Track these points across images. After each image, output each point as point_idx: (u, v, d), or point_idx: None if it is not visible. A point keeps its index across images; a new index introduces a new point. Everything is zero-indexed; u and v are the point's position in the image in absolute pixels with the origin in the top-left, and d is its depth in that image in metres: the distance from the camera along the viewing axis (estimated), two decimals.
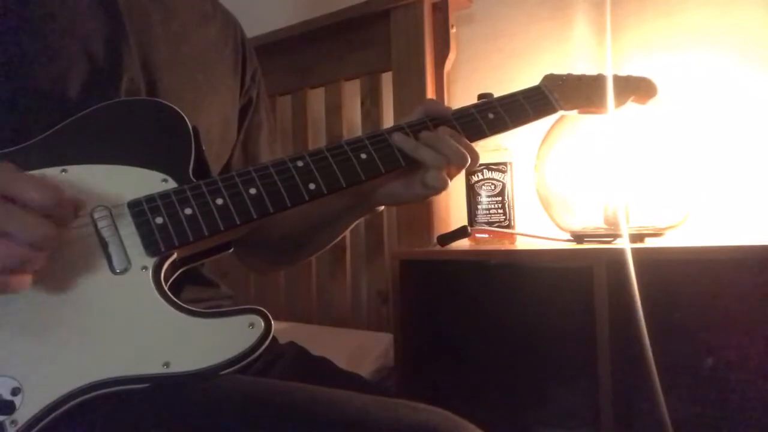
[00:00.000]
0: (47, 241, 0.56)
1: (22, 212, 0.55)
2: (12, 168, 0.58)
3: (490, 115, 0.86)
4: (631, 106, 0.98)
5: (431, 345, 1.22)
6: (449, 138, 0.79)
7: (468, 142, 0.81)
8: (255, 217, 0.70)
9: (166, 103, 0.76)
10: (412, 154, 0.78)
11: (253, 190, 0.71)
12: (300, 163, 0.74)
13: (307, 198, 0.73)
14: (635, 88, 0.98)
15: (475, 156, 0.81)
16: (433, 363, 1.21)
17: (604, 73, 0.97)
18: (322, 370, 0.85)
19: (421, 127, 0.81)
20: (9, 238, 0.54)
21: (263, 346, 0.65)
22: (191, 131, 0.74)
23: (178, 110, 0.75)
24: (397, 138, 0.79)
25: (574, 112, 0.94)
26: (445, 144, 0.78)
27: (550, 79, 0.93)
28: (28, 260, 0.56)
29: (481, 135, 0.84)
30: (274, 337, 0.67)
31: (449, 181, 0.79)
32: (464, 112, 0.85)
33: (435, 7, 1.48)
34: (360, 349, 1.37)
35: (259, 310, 0.66)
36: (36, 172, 0.66)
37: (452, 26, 1.48)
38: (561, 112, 0.92)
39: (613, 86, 0.96)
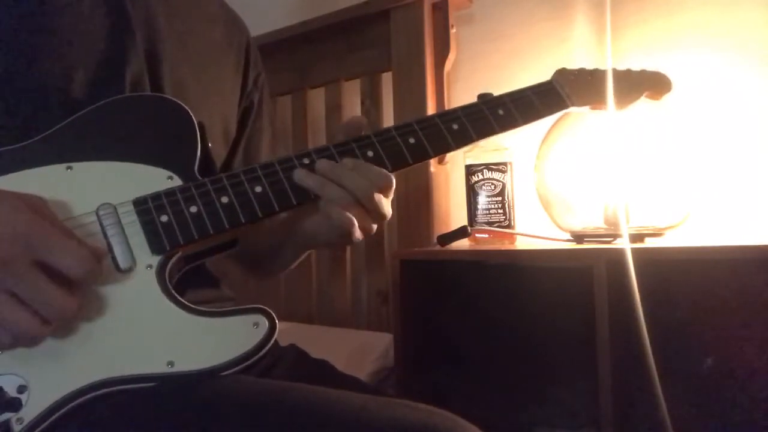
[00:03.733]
0: (64, 318, 0.57)
1: (49, 286, 0.55)
2: (45, 215, 0.58)
3: (500, 112, 0.84)
4: (644, 101, 0.97)
5: (431, 345, 1.22)
6: (350, 171, 0.72)
7: (374, 168, 0.73)
8: (260, 215, 0.70)
9: (171, 98, 0.76)
10: (317, 192, 0.72)
11: (258, 188, 0.71)
12: (306, 161, 0.74)
13: (312, 196, 0.73)
14: (649, 83, 0.97)
15: (388, 181, 0.73)
16: (433, 363, 1.21)
17: (618, 68, 0.96)
18: (321, 373, 0.85)
19: (324, 154, 0.75)
20: (28, 309, 0.55)
21: (268, 346, 0.65)
22: (197, 127, 0.74)
23: (184, 106, 0.75)
24: (298, 175, 0.72)
25: (586, 108, 0.93)
26: (346, 177, 0.71)
27: (562, 74, 0.92)
28: (38, 335, 0.56)
29: (491, 132, 0.83)
30: (275, 340, 0.67)
31: (354, 221, 0.72)
32: (472, 109, 0.84)
33: (435, 7, 1.48)
34: (360, 349, 1.37)
35: (264, 309, 0.66)
36: (41, 170, 0.66)
37: (452, 26, 1.48)
38: (572, 109, 0.91)
39: (627, 81, 0.95)
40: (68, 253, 0.56)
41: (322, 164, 0.73)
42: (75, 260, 0.56)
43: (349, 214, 0.71)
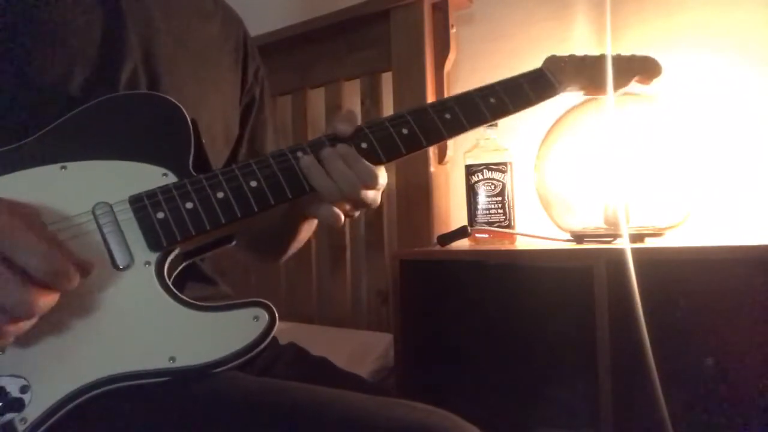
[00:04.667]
0: (31, 314, 0.55)
1: (13, 280, 0.53)
2: (24, 218, 0.56)
3: (492, 100, 0.84)
4: (635, 86, 0.97)
5: (431, 345, 1.22)
6: (340, 161, 0.73)
7: (366, 163, 0.74)
8: (256, 210, 0.70)
9: (164, 96, 0.76)
10: (309, 181, 0.73)
11: (254, 183, 0.71)
12: (300, 154, 0.74)
13: (308, 189, 0.73)
14: (639, 68, 0.97)
15: (373, 179, 0.74)
16: (433, 363, 1.21)
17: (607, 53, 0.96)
18: (321, 371, 0.85)
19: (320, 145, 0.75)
20: None
21: (268, 339, 0.65)
22: (190, 124, 0.74)
23: (177, 103, 0.75)
24: (303, 162, 0.73)
25: (579, 93, 0.93)
26: (335, 167, 0.72)
27: (552, 61, 0.92)
28: (8, 332, 0.55)
29: (483, 120, 0.83)
30: (274, 337, 0.67)
31: (342, 217, 0.75)
32: (464, 98, 0.84)
33: (435, 7, 1.48)
34: (360, 349, 1.37)
35: (264, 303, 0.66)
36: (36, 170, 0.66)
37: (452, 26, 1.48)
38: (564, 94, 0.91)
39: (616, 66, 0.94)
40: (34, 253, 0.54)
41: (323, 153, 0.74)
42: (40, 260, 0.54)
43: (336, 210, 0.74)
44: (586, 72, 0.93)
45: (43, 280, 0.54)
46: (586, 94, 0.95)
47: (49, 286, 0.55)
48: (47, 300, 0.55)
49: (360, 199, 0.74)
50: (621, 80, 0.95)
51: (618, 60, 0.96)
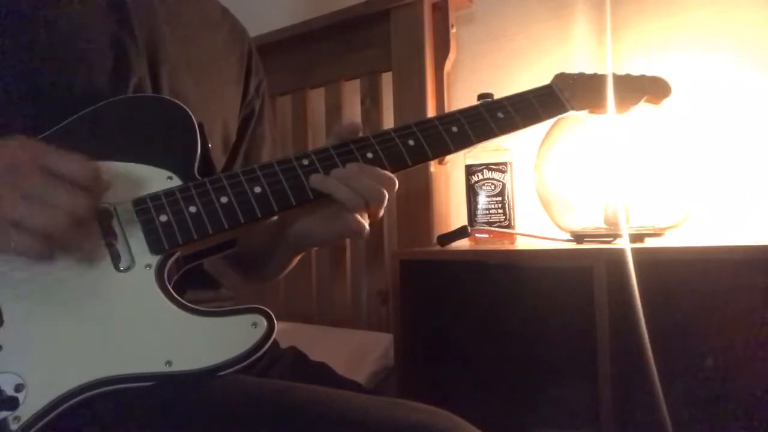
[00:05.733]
0: (88, 212, 0.59)
1: (62, 183, 0.57)
2: (48, 145, 0.60)
3: (500, 115, 0.85)
4: (643, 106, 0.98)
5: (431, 345, 1.22)
6: (362, 174, 0.74)
7: (380, 171, 0.75)
8: (259, 216, 0.71)
9: (171, 99, 0.76)
10: (332, 195, 0.73)
11: (257, 189, 0.71)
12: (305, 162, 0.74)
13: (312, 197, 0.73)
14: (649, 87, 0.98)
15: (392, 184, 0.76)
16: (433, 363, 1.21)
17: (615, 72, 0.97)
18: (320, 376, 0.85)
19: (327, 155, 0.76)
20: (46, 206, 0.56)
21: (266, 346, 0.65)
22: (197, 128, 0.74)
23: (184, 106, 0.75)
24: (314, 179, 0.74)
25: (585, 112, 0.93)
26: (359, 182, 0.73)
27: (561, 78, 0.93)
28: (62, 230, 0.57)
29: (490, 135, 0.84)
30: (275, 341, 0.67)
31: (367, 227, 0.76)
32: (472, 112, 0.84)
33: (435, 7, 1.48)
34: (360, 350, 1.37)
35: (262, 309, 0.66)
36: None
37: (452, 26, 1.48)
38: (572, 112, 0.92)
39: (626, 85, 0.95)
40: (72, 161, 0.59)
41: (335, 171, 0.74)
42: (80, 166, 0.59)
43: (359, 218, 0.75)
44: (594, 90, 0.94)
45: (87, 183, 0.59)
46: (591, 113, 0.95)
47: (91, 190, 0.60)
48: (94, 202, 0.60)
49: (381, 205, 0.75)
50: (630, 99, 0.96)
51: (628, 79, 0.97)
